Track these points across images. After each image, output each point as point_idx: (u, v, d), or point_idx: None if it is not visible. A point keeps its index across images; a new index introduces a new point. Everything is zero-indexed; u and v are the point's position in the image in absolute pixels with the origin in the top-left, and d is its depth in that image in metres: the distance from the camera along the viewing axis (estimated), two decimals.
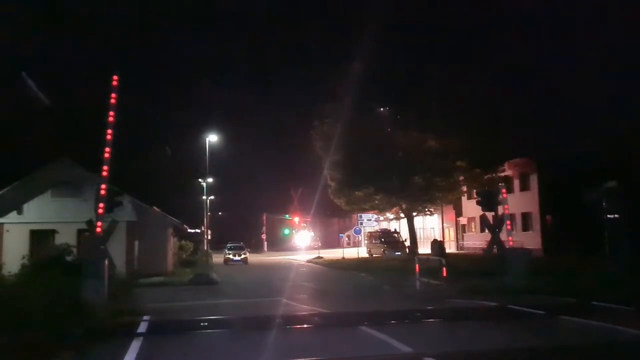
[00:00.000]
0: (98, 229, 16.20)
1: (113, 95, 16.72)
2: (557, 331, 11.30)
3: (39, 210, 26.03)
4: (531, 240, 37.98)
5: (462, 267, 23.96)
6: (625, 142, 31.07)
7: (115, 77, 17.01)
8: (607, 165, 27.88)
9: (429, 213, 44.03)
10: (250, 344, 10.43)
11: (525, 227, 42.05)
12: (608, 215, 21.66)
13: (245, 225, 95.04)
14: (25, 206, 25.80)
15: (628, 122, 30.23)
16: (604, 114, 30.60)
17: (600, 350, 9.24)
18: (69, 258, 20.26)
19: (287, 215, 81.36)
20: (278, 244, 79.25)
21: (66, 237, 23.62)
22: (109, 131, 16.56)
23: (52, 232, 25.72)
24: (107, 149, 16.47)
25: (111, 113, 16.61)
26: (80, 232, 23.50)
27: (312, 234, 71.86)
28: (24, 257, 21.55)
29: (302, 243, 67.59)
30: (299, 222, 77.59)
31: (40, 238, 25.67)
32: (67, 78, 42.52)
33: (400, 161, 36.30)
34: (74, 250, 21.70)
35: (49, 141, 29.54)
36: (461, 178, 38.21)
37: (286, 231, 79.81)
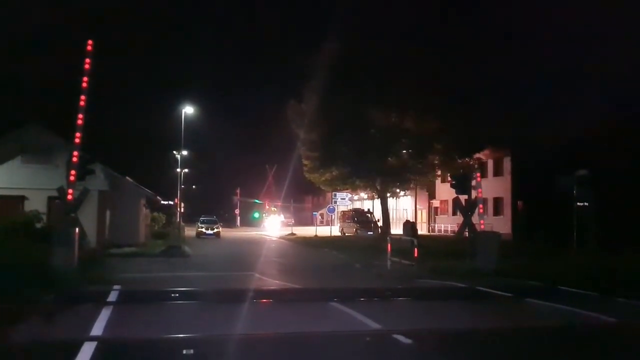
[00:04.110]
0: (69, 197, 15.97)
1: (87, 60, 16.39)
2: (522, 313, 11.53)
3: (8, 176, 25.41)
4: (502, 225, 38.42)
5: (433, 248, 24.21)
6: (596, 131, 31.48)
7: (90, 42, 16.67)
8: (579, 154, 28.25)
9: (402, 194, 44.25)
10: (220, 316, 10.43)
11: (497, 211, 42.67)
12: (578, 203, 21.99)
13: (219, 199, 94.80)
14: None
15: (601, 110, 30.59)
16: (578, 103, 30.91)
17: (563, 333, 9.43)
18: (38, 225, 19.99)
19: (257, 200, 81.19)
20: (250, 221, 79.11)
21: (36, 204, 23.20)
22: (82, 97, 16.27)
23: (22, 199, 25.23)
24: (80, 115, 16.18)
25: (85, 79, 16.29)
26: (50, 199, 23.09)
27: (283, 218, 71.47)
28: None
29: (272, 227, 66.76)
30: (269, 206, 77.44)
31: (8, 204, 25.14)
32: (39, 41, 41.68)
33: (376, 141, 36.29)
34: (44, 217, 21.41)
35: (19, 105, 28.93)
36: (436, 161, 38.39)
37: (256, 215, 79.69)
